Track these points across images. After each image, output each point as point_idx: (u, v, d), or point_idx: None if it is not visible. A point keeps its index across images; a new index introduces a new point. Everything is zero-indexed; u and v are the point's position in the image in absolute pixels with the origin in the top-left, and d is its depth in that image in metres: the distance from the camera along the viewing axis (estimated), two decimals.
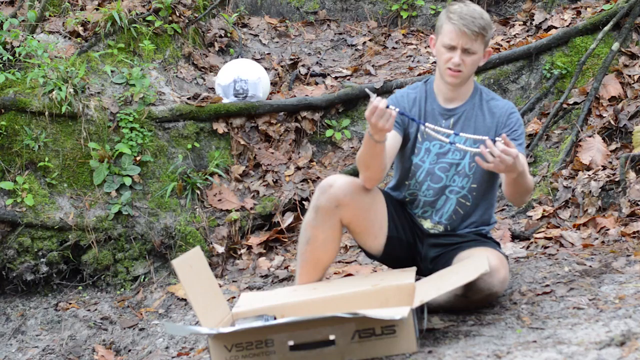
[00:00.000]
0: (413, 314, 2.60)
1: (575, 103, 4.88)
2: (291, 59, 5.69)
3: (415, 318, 2.62)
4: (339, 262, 4.29)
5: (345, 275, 3.97)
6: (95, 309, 4.47)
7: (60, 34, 5.06)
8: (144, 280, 4.58)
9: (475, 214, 3.24)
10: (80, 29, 5.06)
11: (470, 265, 2.89)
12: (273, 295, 3.19)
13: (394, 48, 5.90)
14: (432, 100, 3.25)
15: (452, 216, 3.23)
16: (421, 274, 3.30)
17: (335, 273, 4.05)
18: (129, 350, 4.17)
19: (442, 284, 2.81)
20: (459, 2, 3.15)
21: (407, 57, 5.74)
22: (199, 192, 4.72)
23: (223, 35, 5.74)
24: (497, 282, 2.97)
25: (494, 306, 3.11)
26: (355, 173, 4.74)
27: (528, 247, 4.01)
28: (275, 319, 2.87)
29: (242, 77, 4.97)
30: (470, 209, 3.23)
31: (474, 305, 3.03)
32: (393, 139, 3.18)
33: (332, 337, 2.56)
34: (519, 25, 5.77)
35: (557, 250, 3.87)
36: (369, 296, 2.94)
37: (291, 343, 2.59)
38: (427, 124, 3.07)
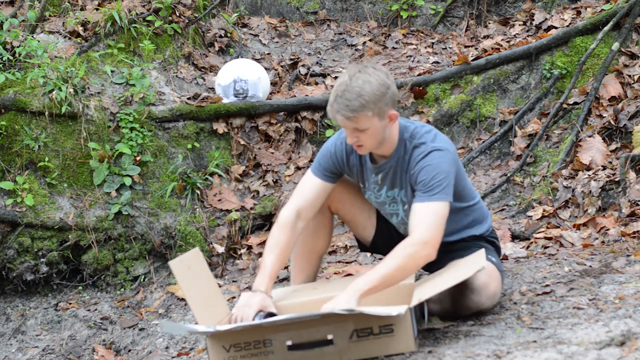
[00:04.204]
0: (411, 313, 2.59)
1: (575, 103, 4.88)
2: (291, 59, 5.69)
3: (413, 317, 2.61)
4: (339, 262, 4.29)
5: (345, 275, 3.97)
6: (95, 309, 4.47)
7: (60, 34, 5.06)
8: (144, 280, 4.58)
9: (451, 229, 3.11)
10: (80, 29, 5.06)
11: (465, 265, 2.88)
12: (273, 296, 3.18)
13: (394, 48, 5.91)
14: (365, 155, 3.13)
15: None
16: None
17: (335, 273, 4.06)
18: (129, 350, 4.17)
19: (440, 282, 2.81)
20: (355, 67, 2.94)
21: (407, 57, 5.74)
22: (199, 192, 4.72)
23: (223, 35, 5.74)
24: (486, 299, 2.95)
25: (494, 306, 3.11)
26: None
27: (528, 247, 4.01)
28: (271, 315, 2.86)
29: (242, 77, 4.97)
30: (458, 211, 3.12)
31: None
32: (319, 189, 3.14)
33: (330, 337, 2.56)
34: (519, 25, 5.78)
35: (557, 250, 3.87)
36: (369, 297, 2.93)
37: (289, 343, 2.59)
38: None
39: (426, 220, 2.85)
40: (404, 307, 2.55)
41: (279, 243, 3.04)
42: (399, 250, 2.81)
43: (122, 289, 4.57)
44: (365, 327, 2.53)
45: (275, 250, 3.02)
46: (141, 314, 4.37)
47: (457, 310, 2.97)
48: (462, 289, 2.92)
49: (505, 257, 3.82)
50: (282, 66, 5.62)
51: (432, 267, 3.22)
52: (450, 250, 3.11)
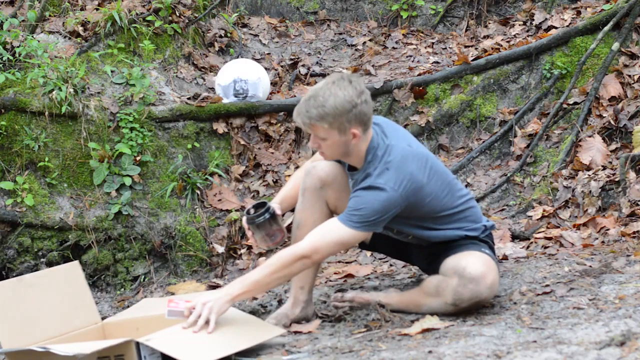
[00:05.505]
0: (137, 346, 2.76)
1: (575, 103, 4.88)
2: (291, 59, 5.69)
3: (142, 350, 2.76)
4: (339, 262, 4.29)
5: (345, 276, 3.97)
6: None
7: (60, 34, 5.06)
8: (144, 280, 4.58)
9: (438, 230, 3.13)
10: (80, 29, 5.06)
11: (257, 328, 3.01)
12: (149, 306, 3.42)
13: (394, 48, 5.90)
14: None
15: (414, 239, 3.20)
16: (419, 266, 3.40)
17: (335, 273, 4.05)
18: None
19: (194, 340, 2.88)
20: (335, 76, 2.95)
21: (407, 57, 5.74)
22: (199, 192, 4.72)
23: (223, 35, 5.74)
24: (485, 288, 2.96)
25: (494, 306, 3.11)
26: None
27: (528, 247, 4.01)
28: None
29: (242, 77, 4.97)
30: (428, 229, 3.13)
31: (465, 311, 3.03)
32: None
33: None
34: (519, 25, 5.78)
35: (557, 250, 3.87)
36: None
37: None
38: None
39: (322, 237, 2.94)
40: (100, 343, 2.76)
41: (297, 178, 3.36)
42: (279, 259, 2.93)
43: (122, 289, 4.57)
44: (105, 355, 2.79)
45: (291, 183, 3.37)
46: None
47: (455, 302, 2.97)
48: (460, 280, 2.94)
49: (505, 257, 3.82)
50: (282, 66, 5.62)
51: (429, 268, 3.23)
52: (444, 248, 3.13)
